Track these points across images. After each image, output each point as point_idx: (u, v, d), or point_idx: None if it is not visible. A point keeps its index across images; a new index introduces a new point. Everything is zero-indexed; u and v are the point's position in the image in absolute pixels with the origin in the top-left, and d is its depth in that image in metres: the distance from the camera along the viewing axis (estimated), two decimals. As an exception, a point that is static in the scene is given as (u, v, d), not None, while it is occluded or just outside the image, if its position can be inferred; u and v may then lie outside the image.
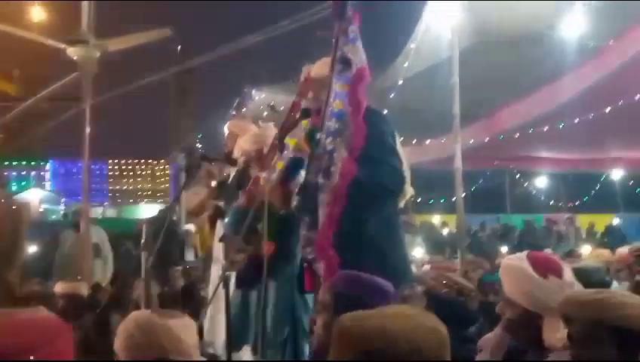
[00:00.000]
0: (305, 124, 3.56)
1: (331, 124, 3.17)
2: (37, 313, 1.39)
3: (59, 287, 5.06)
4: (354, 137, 3.10)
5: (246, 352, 4.12)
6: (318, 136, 3.17)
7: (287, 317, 3.74)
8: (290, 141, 3.69)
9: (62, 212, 22.27)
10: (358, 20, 3.28)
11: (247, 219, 3.54)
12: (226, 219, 4.19)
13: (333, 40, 3.26)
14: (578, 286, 2.18)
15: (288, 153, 3.58)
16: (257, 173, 3.90)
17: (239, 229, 3.76)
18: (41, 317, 1.35)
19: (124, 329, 2.10)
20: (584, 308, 1.80)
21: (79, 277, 6.12)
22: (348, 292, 2.36)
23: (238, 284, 3.80)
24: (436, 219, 17.06)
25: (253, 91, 13.18)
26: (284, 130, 3.51)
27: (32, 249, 9.18)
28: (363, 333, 1.40)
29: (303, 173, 3.69)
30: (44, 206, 25.24)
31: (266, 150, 3.99)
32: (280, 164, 3.76)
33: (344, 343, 1.43)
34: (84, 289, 5.16)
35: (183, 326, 2.12)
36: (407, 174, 3.44)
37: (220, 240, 4.22)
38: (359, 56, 3.23)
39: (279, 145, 3.30)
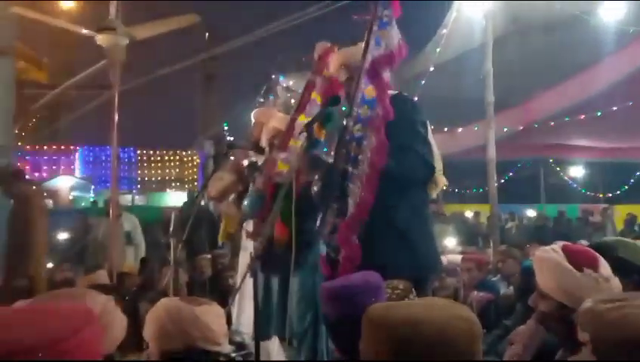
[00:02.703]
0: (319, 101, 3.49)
1: (362, 110, 3.07)
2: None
3: (81, 284, 5.06)
4: (377, 122, 3.02)
5: (274, 341, 4.09)
6: (344, 122, 3.07)
7: (310, 304, 3.69)
8: (301, 118, 3.64)
9: (91, 199, 22.57)
10: (399, 8, 3.17)
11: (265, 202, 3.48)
12: (245, 202, 4.14)
13: (367, 25, 3.15)
14: (614, 280, 2.09)
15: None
16: (274, 156, 3.84)
17: (257, 212, 3.71)
18: (68, 306, 1.35)
19: (153, 317, 2.11)
20: (608, 329, 1.61)
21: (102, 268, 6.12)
22: (338, 316, 2.23)
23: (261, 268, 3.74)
24: (469, 209, 16.80)
25: (281, 78, 13.15)
26: (314, 118, 3.40)
27: (62, 236, 9.33)
28: (393, 322, 1.39)
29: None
30: (73, 193, 25.58)
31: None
32: (297, 143, 3.68)
33: (374, 332, 1.41)
34: (104, 278, 5.16)
35: (211, 314, 2.12)
36: (440, 165, 3.34)
37: (240, 223, 4.17)
38: (391, 41, 3.12)
39: (307, 131, 3.19)
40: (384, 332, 1.39)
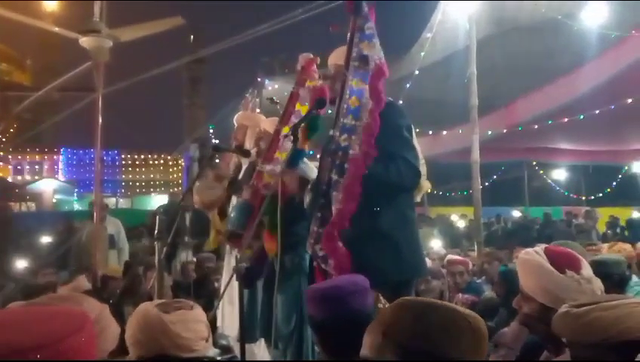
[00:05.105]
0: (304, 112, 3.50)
1: (347, 120, 3.09)
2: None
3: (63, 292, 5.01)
4: (364, 131, 3.02)
5: (259, 344, 4.09)
6: (331, 132, 3.10)
7: (295, 306, 3.70)
8: (286, 130, 3.64)
9: (75, 201, 22.40)
10: (374, 14, 3.20)
11: (252, 213, 3.49)
12: (231, 214, 4.13)
13: (348, 36, 3.18)
14: (596, 282, 2.12)
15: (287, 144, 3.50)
16: (260, 167, 3.85)
17: (244, 224, 3.71)
18: (63, 308, 1.38)
19: (130, 324, 2.11)
20: (581, 333, 1.66)
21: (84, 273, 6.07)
22: (325, 318, 2.24)
23: (246, 283, 3.73)
24: (454, 211, 16.88)
25: (266, 81, 13.14)
26: (299, 121, 3.40)
27: (45, 239, 9.23)
28: (419, 304, 1.45)
29: (305, 164, 3.63)
30: (57, 196, 25.34)
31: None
32: (283, 155, 3.71)
33: (398, 311, 1.45)
34: (84, 283, 5.10)
35: (184, 320, 2.08)
36: (423, 169, 3.35)
37: (228, 237, 4.16)
38: (377, 52, 3.14)
39: (293, 136, 3.20)
40: (408, 310, 1.43)
